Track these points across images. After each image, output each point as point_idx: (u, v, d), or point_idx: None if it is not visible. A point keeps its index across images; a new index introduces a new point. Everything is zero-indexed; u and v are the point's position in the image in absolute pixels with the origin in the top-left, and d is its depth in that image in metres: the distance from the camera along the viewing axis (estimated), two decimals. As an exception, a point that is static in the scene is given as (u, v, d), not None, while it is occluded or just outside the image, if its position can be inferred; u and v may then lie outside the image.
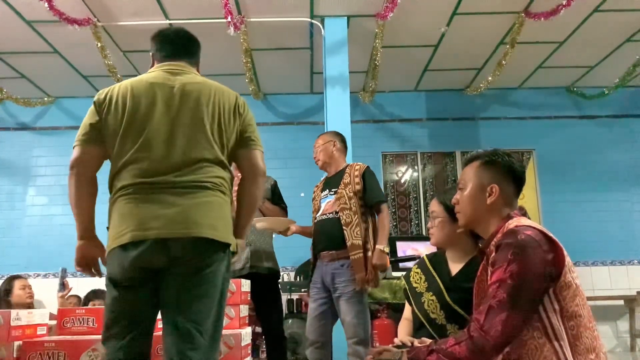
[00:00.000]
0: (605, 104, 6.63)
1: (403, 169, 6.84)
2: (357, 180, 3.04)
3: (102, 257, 1.81)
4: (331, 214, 3.02)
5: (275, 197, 3.35)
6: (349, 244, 2.91)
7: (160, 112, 1.75)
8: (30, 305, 3.81)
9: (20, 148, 6.49)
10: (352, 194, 2.99)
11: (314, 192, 3.28)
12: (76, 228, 1.79)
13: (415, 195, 6.73)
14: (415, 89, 6.81)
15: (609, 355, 1.46)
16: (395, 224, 6.64)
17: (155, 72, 1.88)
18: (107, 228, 1.75)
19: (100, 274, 1.86)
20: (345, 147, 3.31)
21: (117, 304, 1.68)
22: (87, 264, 1.82)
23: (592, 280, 6.15)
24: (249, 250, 3.17)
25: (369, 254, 2.92)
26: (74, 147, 1.80)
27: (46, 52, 5.48)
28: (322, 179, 3.32)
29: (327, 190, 3.13)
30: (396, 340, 1.89)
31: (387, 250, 2.94)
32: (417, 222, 6.62)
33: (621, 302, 6.05)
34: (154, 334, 1.78)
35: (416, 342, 1.79)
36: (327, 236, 3.00)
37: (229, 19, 4.58)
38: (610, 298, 5.92)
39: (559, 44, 5.66)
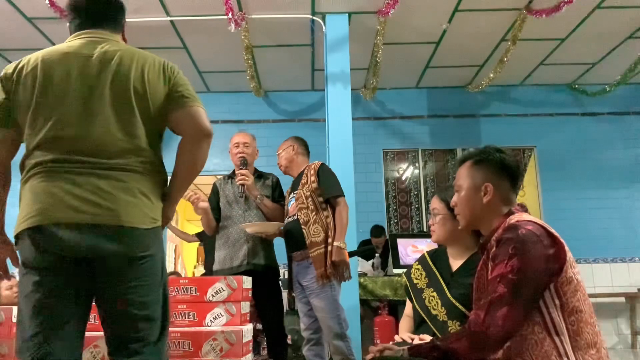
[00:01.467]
0: (606, 101, 6.63)
1: (404, 166, 6.84)
2: (312, 178, 3.07)
3: (13, 258, 1.60)
4: (294, 216, 3.08)
5: (276, 194, 3.35)
6: (308, 242, 2.95)
7: (77, 85, 1.54)
8: None
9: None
10: (309, 193, 3.02)
11: (286, 197, 3.32)
12: None
13: (416, 193, 6.73)
14: (416, 86, 6.80)
15: (610, 352, 1.46)
16: (396, 221, 6.64)
17: (70, 42, 1.65)
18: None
19: (9, 277, 1.64)
20: (307, 151, 3.32)
21: (40, 290, 1.43)
22: None
23: (594, 277, 6.15)
24: (247, 247, 3.17)
25: (329, 248, 2.91)
26: None
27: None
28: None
29: (292, 193, 3.19)
30: (397, 338, 1.89)
31: (343, 245, 2.93)
32: (418, 219, 6.62)
33: (622, 299, 6.06)
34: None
35: (417, 339, 1.79)
36: (292, 237, 3.07)
37: (230, 16, 4.57)
38: (611, 295, 5.92)
39: (561, 40, 5.65)
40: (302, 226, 2.98)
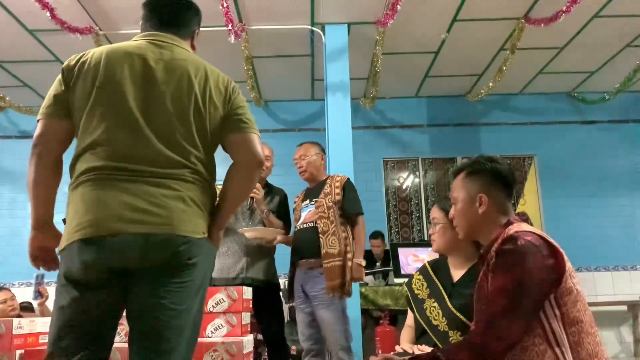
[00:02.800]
0: (606, 109, 6.65)
1: (404, 175, 6.84)
2: (337, 190, 3.09)
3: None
4: (311, 223, 3.08)
5: (282, 210, 3.34)
6: (323, 252, 2.94)
7: (137, 89, 1.49)
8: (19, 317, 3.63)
9: (22, 156, 6.40)
10: (331, 204, 3.04)
11: (295, 203, 3.32)
12: (31, 217, 1.52)
13: (416, 202, 6.73)
14: (416, 95, 6.82)
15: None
16: (397, 230, 6.63)
17: (137, 42, 1.60)
18: (64, 221, 1.48)
19: (58, 264, 1.56)
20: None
21: (76, 307, 1.39)
22: (44, 258, 1.55)
23: (595, 286, 6.14)
24: (245, 260, 3.16)
25: (349, 263, 2.95)
26: (37, 122, 1.54)
27: (48, 60, 5.51)
28: (303, 189, 3.35)
29: (308, 200, 3.18)
30: (398, 348, 1.89)
31: (363, 264, 3.01)
32: (418, 228, 6.62)
33: (624, 307, 6.03)
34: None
35: (417, 350, 1.79)
36: (305, 245, 3.04)
37: (230, 27, 4.60)
38: (613, 304, 5.89)
39: (559, 49, 5.67)
40: (320, 235, 2.97)
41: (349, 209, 3.07)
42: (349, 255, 2.97)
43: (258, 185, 3.15)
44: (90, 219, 1.39)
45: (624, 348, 6.09)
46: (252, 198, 3.15)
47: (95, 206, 1.40)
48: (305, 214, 3.15)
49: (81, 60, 1.53)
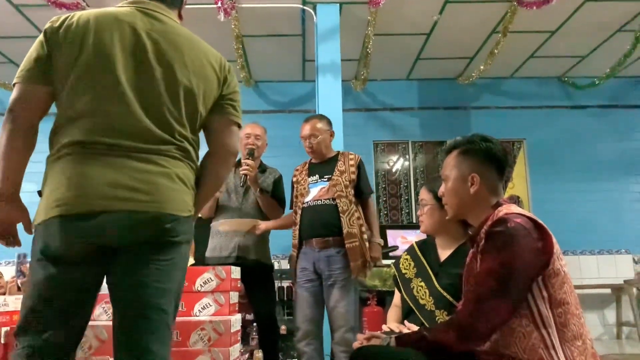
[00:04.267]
0: (595, 94, 6.67)
1: (394, 158, 6.84)
2: (352, 169, 3.05)
3: (26, 224, 1.48)
4: (327, 200, 2.99)
5: (276, 190, 3.32)
6: (345, 231, 2.90)
7: (127, 59, 1.42)
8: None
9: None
10: (347, 183, 3.00)
11: (295, 176, 3.22)
12: None
13: (406, 184, 6.74)
14: (407, 77, 6.80)
15: (596, 343, 1.48)
16: (386, 212, 6.66)
17: (124, 8, 1.50)
18: (39, 193, 1.42)
19: (19, 244, 1.49)
20: None
21: (52, 283, 1.34)
22: (4, 231, 1.45)
23: (581, 269, 6.22)
24: (237, 239, 3.15)
25: (366, 243, 2.96)
26: (13, 85, 1.45)
27: (34, 36, 5.36)
28: (303, 162, 3.27)
29: (317, 176, 3.09)
30: (385, 327, 1.90)
31: (382, 244, 3.05)
32: (407, 210, 6.65)
33: (609, 290, 6.13)
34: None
35: (404, 329, 1.80)
36: (322, 223, 2.95)
37: (220, 5, 4.53)
38: (597, 287, 5.98)
39: (551, 33, 5.66)
40: (341, 214, 2.92)
41: (365, 189, 3.08)
42: (365, 236, 2.96)
43: (251, 162, 3.11)
44: (72, 195, 1.33)
45: (607, 330, 6.20)
46: (246, 176, 3.11)
47: (77, 181, 1.33)
48: (316, 190, 3.05)
49: (67, 23, 1.43)
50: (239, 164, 3.21)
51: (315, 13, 4.99)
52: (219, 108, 1.56)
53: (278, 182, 3.35)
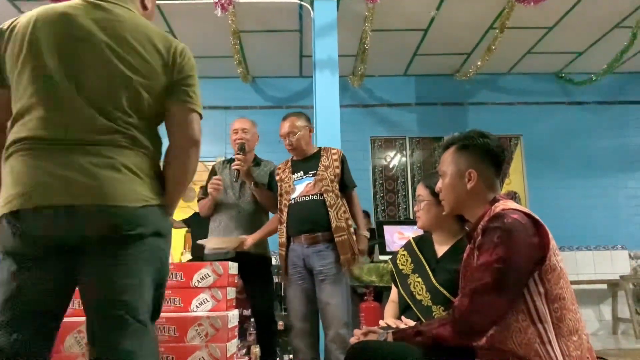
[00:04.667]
0: (592, 90, 6.67)
1: (391, 153, 6.85)
2: (336, 164, 3.07)
3: None
4: (314, 196, 2.99)
5: (273, 183, 3.32)
6: (333, 226, 2.91)
7: (64, 52, 1.39)
8: None
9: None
10: (333, 177, 3.01)
11: (278, 175, 3.20)
12: None
13: (403, 180, 6.75)
14: (404, 73, 6.79)
15: (592, 338, 1.48)
16: (383, 208, 6.66)
17: (72, 2, 1.48)
18: None
19: None
20: None
21: (17, 282, 1.33)
22: None
23: (577, 265, 6.24)
24: (237, 234, 3.15)
25: (353, 237, 2.97)
26: None
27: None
28: (285, 161, 3.26)
29: (301, 172, 3.09)
30: (382, 322, 1.91)
31: (368, 236, 3.07)
32: (404, 206, 6.65)
33: (604, 286, 6.16)
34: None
35: (401, 324, 1.81)
36: (310, 218, 2.95)
37: (216, 0, 4.51)
38: (594, 282, 6.01)
39: (548, 29, 5.67)
40: (329, 209, 2.93)
41: (349, 183, 3.10)
42: (352, 229, 2.98)
43: (241, 157, 3.11)
44: (17, 192, 1.33)
45: (602, 325, 6.23)
46: (238, 171, 3.11)
47: (22, 178, 1.34)
48: (301, 187, 3.05)
49: (13, 24, 1.45)
50: (232, 160, 3.21)
51: (313, 8, 4.97)
52: (172, 95, 1.50)
53: (274, 174, 3.35)
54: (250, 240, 3.09)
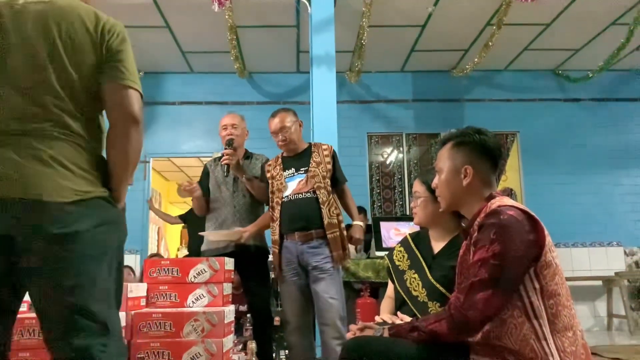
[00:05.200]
0: (589, 87, 6.69)
1: (388, 150, 6.85)
2: (327, 160, 3.06)
3: None
4: (308, 193, 2.98)
5: (264, 175, 3.32)
6: (326, 222, 2.91)
7: None
8: None
9: None
10: (325, 173, 3.01)
11: (269, 172, 3.17)
12: None
13: (399, 177, 6.76)
14: (401, 69, 6.79)
15: (587, 334, 1.49)
16: (379, 204, 6.67)
17: None
18: None
19: None
20: None
21: None
22: None
23: (572, 261, 6.27)
24: (235, 228, 3.15)
25: (344, 232, 2.98)
26: None
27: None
28: (275, 157, 3.23)
29: (292, 169, 3.07)
30: (377, 318, 1.91)
31: (364, 225, 3.08)
32: (401, 203, 6.66)
33: (599, 282, 6.18)
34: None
35: (397, 320, 1.81)
36: (304, 215, 2.94)
37: (214, -5, 4.50)
38: (589, 279, 6.03)
39: (546, 26, 5.67)
40: (322, 205, 2.92)
41: (340, 179, 3.10)
42: (342, 225, 2.99)
43: (229, 151, 3.11)
44: None
45: (597, 322, 6.26)
46: (228, 165, 3.10)
47: None
48: (294, 184, 3.04)
49: None
50: (221, 157, 3.21)
51: (310, 4, 4.95)
52: (103, 73, 1.42)
53: (264, 166, 3.35)
54: (247, 234, 3.08)
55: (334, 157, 3.12)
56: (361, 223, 3.10)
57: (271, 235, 3.07)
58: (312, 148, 3.13)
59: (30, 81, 1.34)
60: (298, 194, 2.99)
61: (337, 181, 3.10)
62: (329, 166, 3.05)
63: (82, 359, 1.28)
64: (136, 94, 1.44)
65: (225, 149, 3.15)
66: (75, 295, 1.29)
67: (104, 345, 1.32)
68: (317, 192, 2.95)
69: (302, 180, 3.01)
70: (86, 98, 1.41)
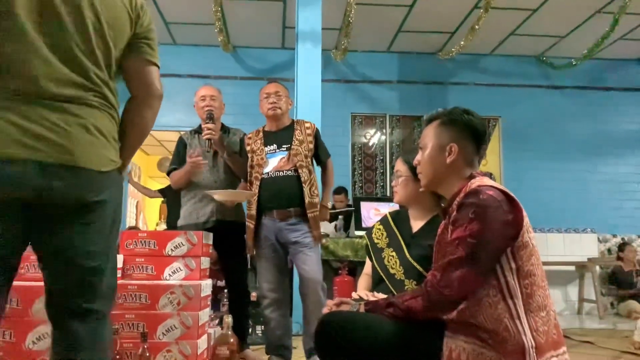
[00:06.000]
0: (572, 75, 6.75)
1: (371, 131, 6.85)
2: (310, 139, 3.05)
3: None
4: (289, 171, 2.96)
5: (243, 151, 3.28)
6: (307, 202, 2.92)
7: (31, 3, 1.30)
8: None
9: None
10: (307, 152, 3.00)
11: (248, 145, 3.12)
12: None
13: (382, 158, 6.77)
14: (387, 50, 6.76)
15: (558, 317, 1.51)
16: (360, 185, 6.68)
17: None
18: None
19: None
20: None
21: None
22: None
23: (547, 247, 6.38)
24: (214, 203, 3.12)
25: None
26: None
27: None
28: (255, 131, 3.19)
29: (274, 145, 3.04)
30: (354, 294, 1.92)
31: (330, 207, 3.14)
32: (382, 184, 6.69)
33: (572, 268, 6.31)
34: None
35: (372, 297, 1.82)
36: (284, 194, 2.93)
37: (199, -35, 4.40)
38: (562, 264, 6.16)
39: (532, 11, 5.67)
40: (303, 184, 2.92)
41: (323, 157, 3.11)
42: (319, 205, 3.01)
43: (212, 125, 3.05)
44: None
45: (568, 306, 6.41)
46: (210, 140, 3.05)
47: None
48: (275, 161, 3.01)
49: None
50: (200, 129, 3.15)
51: (297, -22, 4.88)
52: (134, 48, 1.49)
53: (243, 140, 3.31)
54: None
55: (316, 135, 3.10)
56: (328, 205, 3.13)
57: (248, 210, 3.05)
58: (295, 125, 3.09)
59: (78, 50, 1.35)
60: (279, 171, 2.97)
61: (320, 160, 3.12)
62: (311, 145, 3.04)
63: (95, 320, 1.37)
64: (158, 71, 1.54)
65: (206, 122, 3.10)
66: (95, 260, 1.36)
67: (109, 311, 1.42)
68: (299, 170, 2.94)
69: (283, 157, 2.99)
70: (116, 71, 1.47)
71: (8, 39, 1.28)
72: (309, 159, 3.01)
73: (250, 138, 3.16)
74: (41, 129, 1.27)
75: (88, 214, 1.35)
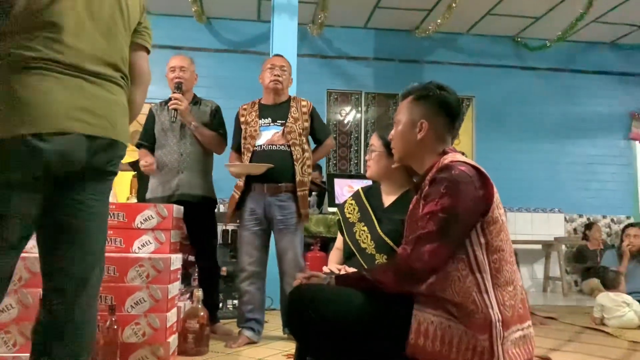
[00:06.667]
0: (546, 56, 6.81)
1: (347, 108, 6.82)
2: (305, 117, 3.05)
3: None
4: (282, 146, 2.96)
5: (215, 122, 3.22)
6: (297, 179, 2.94)
7: None
8: None
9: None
10: (301, 130, 3.01)
11: (243, 116, 3.11)
12: None
13: (356, 135, 6.76)
14: (364, 26, 6.69)
15: (525, 293, 1.54)
16: (335, 162, 6.68)
17: None
18: None
19: None
20: None
21: (10, 208, 1.26)
22: None
23: (516, 226, 6.51)
24: (180, 176, 3.08)
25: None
26: None
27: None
28: (251, 102, 3.17)
29: (269, 119, 3.02)
30: (325, 268, 1.92)
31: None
32: (356, 161, 6.69)
33: (539, 246, 6.48)
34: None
35: (344, 271, 1.82)
36: (276, 168, 2.91)
37: None
38: (529, 242, 6.31)
39: (509, -10, 5.67)
40: (295, 162, 2.94)
41: (321, 136, 3.16)
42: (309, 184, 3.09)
43: (179, 95, 3.01)
44: (37, 114, 1.25)
45: (534, 283, 6.59)
46: (176, 110, 3.00)
47: (36, 99, 1.25)
48: (268, 134, 2.99)
49: None
50: (169, 100, 3.09)
51: (274, -52, 4.77)
52: (137, 35, 1.57)
53: (216, 112, 3.25)
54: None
55: (312, 114, 3.11)
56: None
57: (237, 181, 3.04)
58: (292, 102, 3.09)
59: (112, 34, 1.44)
60: (272, 144, 2.96)
61: (317, 139, 3.17)
62: (306, 124, 3.05)
63: (94, 287, 1.46)
64: (147, 56, 1.64)
65: (174, 92, 3.03)
66: (102, 224, 1.48)
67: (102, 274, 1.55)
68: (292, 148, 2.95)
69: (277, 132, 2.98)
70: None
71: (65, 17, 1.32)
72: (304, 137, 3.02)
73: (245, 109, 3.13)
74: (89, 104, 1.34)
75: (104, 181, 1.46)
